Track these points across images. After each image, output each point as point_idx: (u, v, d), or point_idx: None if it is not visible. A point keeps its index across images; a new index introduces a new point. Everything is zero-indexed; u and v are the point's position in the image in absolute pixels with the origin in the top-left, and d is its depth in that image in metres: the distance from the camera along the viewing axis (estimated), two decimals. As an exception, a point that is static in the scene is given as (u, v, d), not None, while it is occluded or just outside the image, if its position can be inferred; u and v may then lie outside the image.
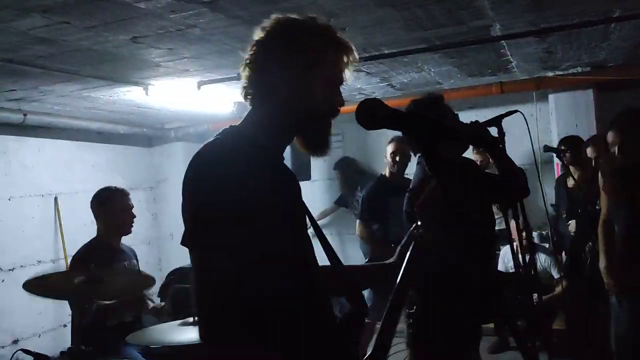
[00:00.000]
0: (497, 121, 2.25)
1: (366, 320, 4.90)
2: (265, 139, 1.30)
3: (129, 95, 4.66)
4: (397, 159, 4.07)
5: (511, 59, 4.47)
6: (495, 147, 2.06)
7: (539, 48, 4.13)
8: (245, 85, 1.35)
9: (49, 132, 5.56)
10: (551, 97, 5.39)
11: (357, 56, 1.36)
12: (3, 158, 5.25)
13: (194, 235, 1.17)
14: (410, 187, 2.60)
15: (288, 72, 1.30)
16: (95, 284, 2.41)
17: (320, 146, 1.36)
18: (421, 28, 3.35)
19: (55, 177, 5.75)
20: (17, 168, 5.36)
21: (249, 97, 1.35)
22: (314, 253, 1.35)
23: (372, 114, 1.09)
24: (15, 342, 5.08)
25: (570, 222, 4.07)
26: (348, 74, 1.36)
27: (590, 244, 3.78)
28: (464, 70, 4.76)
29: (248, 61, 1.33)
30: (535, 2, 3.03)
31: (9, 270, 5.19)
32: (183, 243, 1.18)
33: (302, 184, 5.58)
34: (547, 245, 5.25)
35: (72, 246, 5.60)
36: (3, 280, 5.12)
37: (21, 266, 5.30)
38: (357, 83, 4.97)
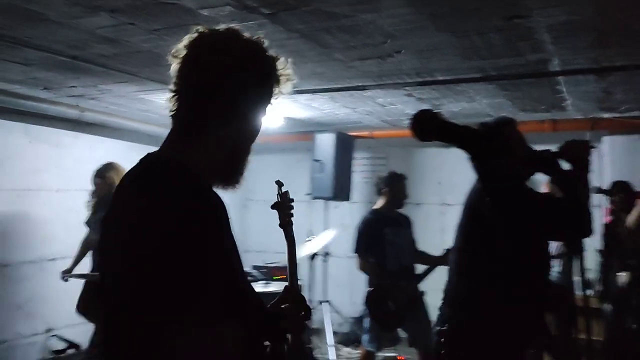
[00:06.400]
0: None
1: (368, 350, 4.72)
2: (204, 170, 1.18)
3: (181, 100, 4.76)
4: (400, 195, 4.26)
5: (567, 97, 4.37)
6: (555, 171, 1.90)
7: (597, 87, 4.02)
8: (189, 110, 1.21)
9: (102, 130, 5.74)
10: (606, 139, 5.24)
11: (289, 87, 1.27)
12: (56, 151, 5.44)
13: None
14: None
15: (248, 99, 1.20)
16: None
17: (240, 176, 1.26)
18: (478, 57, 3.32)
19: (104, 174, 5.89)
20: (68, 162, 5.54)
21: (190, 123, 1.20)
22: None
23: (425, 125, 1.08)
24: (49, 330, 5.20)
25: (622, 273, 3.89)
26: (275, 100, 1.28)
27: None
28: (517, 104, 4.68)
29: (200, 85, 1.20)
30: (600, 39, 2.96)
31: (50, 260, 5.34)
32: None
33: (342, 204, 5.53)
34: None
35: (111, 243, 5.73)
36: (44, 270, 5.26)
37: (62, 257, 5.43)
38: (406, 108, 4.95)
